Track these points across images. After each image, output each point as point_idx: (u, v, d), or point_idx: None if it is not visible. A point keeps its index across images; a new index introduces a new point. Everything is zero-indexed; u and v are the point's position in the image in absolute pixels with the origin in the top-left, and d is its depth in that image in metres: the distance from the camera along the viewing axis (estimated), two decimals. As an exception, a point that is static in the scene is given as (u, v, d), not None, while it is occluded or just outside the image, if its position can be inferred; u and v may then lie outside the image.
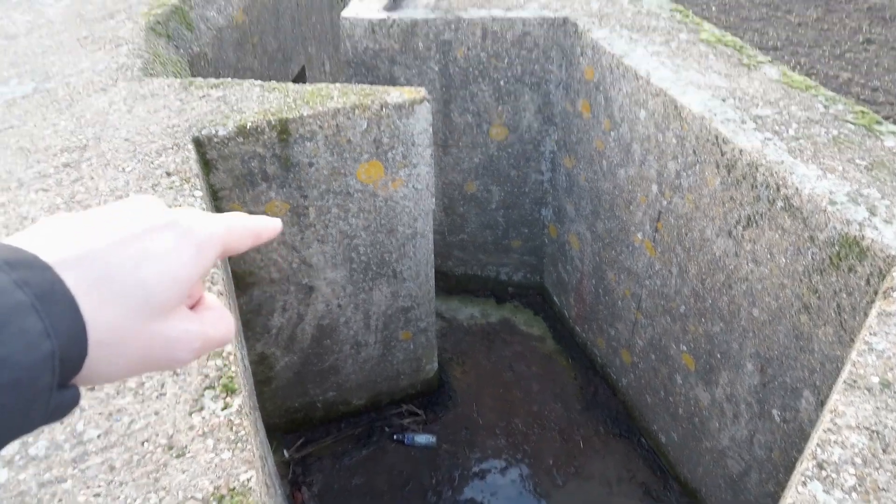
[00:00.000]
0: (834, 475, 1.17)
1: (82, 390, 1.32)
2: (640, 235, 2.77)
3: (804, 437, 2.06)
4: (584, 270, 3.32)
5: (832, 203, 1.86)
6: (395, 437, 2.96)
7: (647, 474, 2.85)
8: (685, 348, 2.59)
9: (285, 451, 2.86)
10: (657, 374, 2.82)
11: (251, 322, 2.59)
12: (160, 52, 2.78)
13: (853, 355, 1.39)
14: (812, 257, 1.91)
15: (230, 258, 2.38)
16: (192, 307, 0.43)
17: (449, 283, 3.86)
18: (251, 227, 0.45)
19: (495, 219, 3.65)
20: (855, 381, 1.33)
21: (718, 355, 2.39)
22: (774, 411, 2.14)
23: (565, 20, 3.05)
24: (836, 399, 1.30)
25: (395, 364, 3.02)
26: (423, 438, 2.94)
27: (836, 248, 1.82)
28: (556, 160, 3.39)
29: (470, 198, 3.60)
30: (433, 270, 2.85)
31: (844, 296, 1.81)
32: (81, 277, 0.36)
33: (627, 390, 3.10)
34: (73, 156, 2.04)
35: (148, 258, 0.38)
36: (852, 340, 1.81)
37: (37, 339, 0.32)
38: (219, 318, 0.43)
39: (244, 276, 2.46)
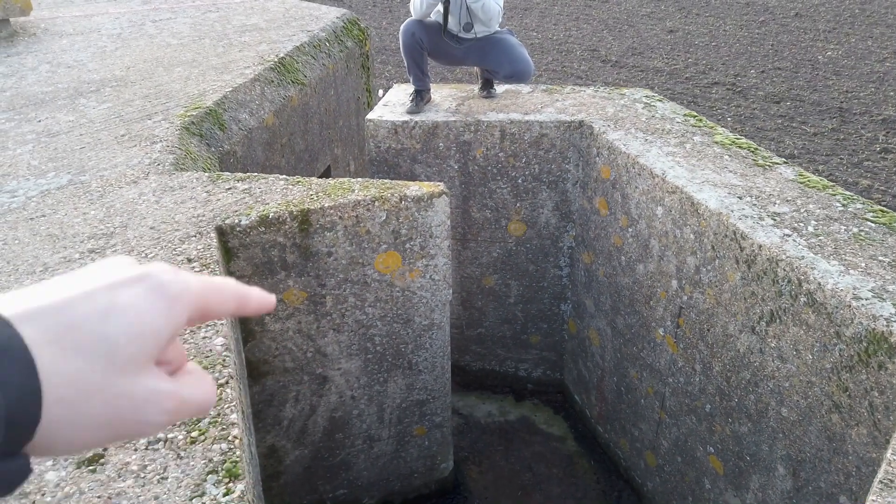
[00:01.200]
0: (876, 584, 1.07)
1: (85, 472, 1.29)
2: (661, 331, 2.72)
3: (844, 549, 1.91)
4: (604, 367, 3.25)
5: (857, 298, 1.83)
6: (406, 541, 2.81)
7: (677, 590, 2.65)
8: (712, 450, 2.47)
9: (291, 554, 2.72)
10: (684, 477, 2.68)
11: (262, 413, 2.54)
12: (192, 149, 2.92)
13: (888, 454, 1.31)
14: (839, 354, 1.85)
15: (245, 345, 2.38)
16: (171, 373, 0.40)
17: (466, 378, 3.78)
18: (235, 292, 0.42)
19: (514, 313, 3.62)
20: (891, 481, 1.25)
21: (748, 457, 2.28)
22: (810, 520, 2.01)
23: (581, 123, 3.16)
24: (872, 500, 1.22)
25: (408, 461, 2.92)
26: (436, 543, 2.79)
27: (864, 344, 1.76)
28: (575, 255, 3.40)
29: (488, 292, 3.60)
30: (449, 363, 2.81)
31: (876, 394, 1.74)
32: (41, 330, 0.34)
33: (653, 496, 2.94)
34: (100, 242, 2.10)
35: (114, 311, 0.36)
36: (887, 442, 1.71)
37: None
38: (197, 381, 0.40)
39: (258, 364, 2.45)
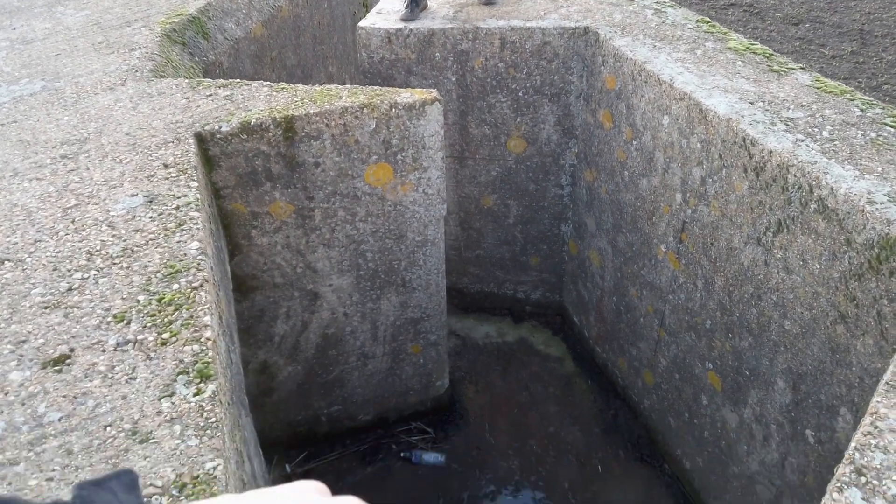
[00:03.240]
0: (875, 482, 1.02)
1: (51, 373, 1.24)
2: (663, 248, 2.63)
3: (841, 458, 1.88)
4: (604, 288, 3.18)
5: (871, 203, 1.72)
6: (402, 454, 2.82)
7: (670, 502, 2.66)
8: (711, 366, 2.42)
9: (287, 466, 2.74)
10: (681, 395, 2.65)
11: (253, 328, 2.50)
12: (173, 57, 2.77)
13: (896, 355, 1.24)
14: (849, 262, 1.76)
15: (231, 259, 2.31)
16: None
17: (464, 301, 3.74)
18: None
19: (513, 234, 3.54)
20: (899, 383, 1.18)
21: (747, 373, 2.23)
22: (808, 432, 1.96)
23: (586, 30, 2.98)
24: (877, 402, 1.15)
25: (403, 379, 2.90)
26: (431, 457, 2.79)
27: (876, 250, 1.67)
28: (577, 173, 3.28)
29: (487, 212, 3.50)
30: (444, 281, 2.74)
31: (885, 302, 1.66)
32: None
33: (650, 413, 2.92)
34: (72, 148, 1.99)
35: None
36: (894, 351, 1.64)
37: None
38: None
39: (246, 279, 2.39)
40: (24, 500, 0.30)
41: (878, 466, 1.04)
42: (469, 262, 3.67)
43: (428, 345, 2.85)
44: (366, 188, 2.40)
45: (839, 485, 1.02)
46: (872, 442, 1.08)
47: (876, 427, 1.10)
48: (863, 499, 1.00)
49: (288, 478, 2.71)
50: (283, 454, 2.80)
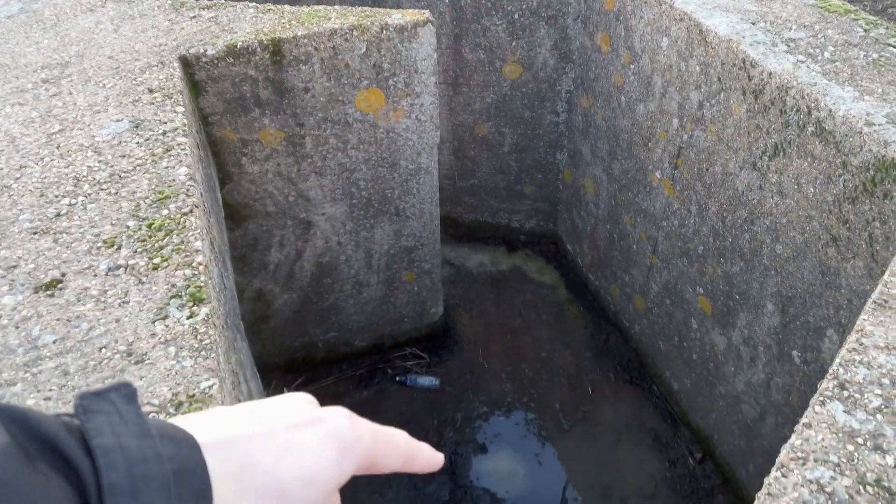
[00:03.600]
0: (857, 395, 1.04)
1: (43, 297, 1.24)
2: (658, 174, 2.61)
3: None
4: (598, 216, 3.18)
5: (869, 125, 1.70)
6: (397, 378, 2.89)
7: (658, 421, 2.75)
8: (702, 291, 2.45)
9: (285, 389, 2.80)
10: (671, 319, 2.69)
11: (247, 257, 2.50)
12: (155, -24, 2.65)
13: (886, 275, 1.25)
14: (844, 185, 1.75)
15: (223, 187, 2.29)
16: None
17: (459, 231, 3.74)
18: (403, 448, 0.42)
19: (508, 163, 3.50)
20: (886, 301, 1.19)
21: (737, 296, 2.25)
22: (795, 353, 2.01)
23: (584, -54, 2.86)
24: (863, 319, 1.16)
25: (398, 306, 2.93)
26: (426, 381, 2.86)
27: (872, 172, 1.66)
28: (573, 100, 3.22)
29: (481, 140, 3.45)
30: (438, 209, 2.73)
31: (878, 225, 1.66)
32: (224, 461, 0.34)
33: (640, 337, 2.98)
34: (54, 72, 1.93)
35: (290, 452, 0.36)
36: (883, 272, 1.66)
37: None
38: None
39: (238, 207, 2.37)
40: (33, 413, 0.30)
41: (861, 381, 1.06)
42: (463, 191, 3.65)
43: (422, 273, 2.87)
44: (357, 115, 2.35)
45: (822, 398, 1.04)
46: (857, 358, 1.10)
47: (861, 344, 1.12)
48: (844, 411, 1.03)
49: (286, 402, 2.78)
50: (282, 379, 2.87)
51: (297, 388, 2.83)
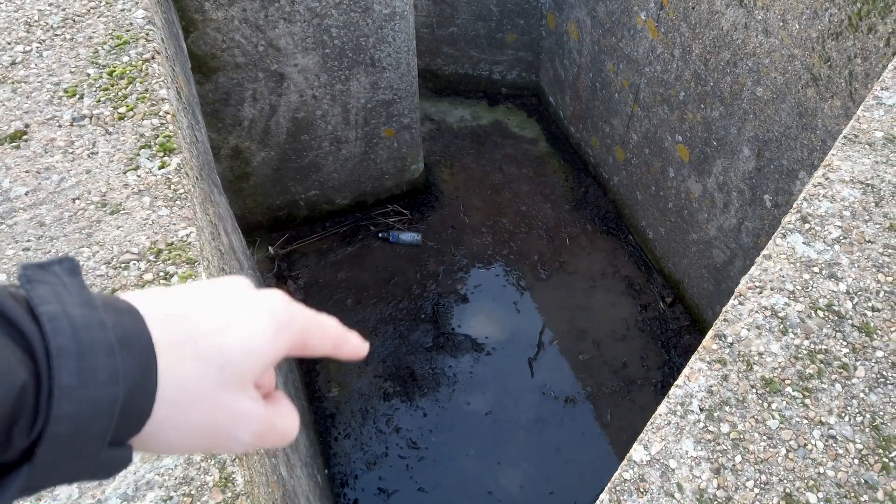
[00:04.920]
0: (818, 227, 1.08)
1: (9, 149, 1.22)
2: (643, 16, 2.51)
3: (794, 222, 1.99)
4: (581, 64, 3.09)
5: (861, -45, 1.61)
6: (380, 234, 2.93)
7: (632, 269, 2.85)
8: (681, 139, 2.45)
9: (270, 248, 2.85)
10: (650, 168, 2.71)
11: (220, 113, 2.43)
12: None
13: (858, 111, 1.25)
14: (829, 19, 1.69)
15: (187, 36, 2.17)
16: (262, 397, 0.41)
17: (438, 84, 3.63)
18: (334, 334, 0.43)
19: (488, 8, 3.33)
20: (856, 136, 1.20)
21: (715, 143, 2.26)
22: (766, 196, 2.05)
23: None
24: (832, 154, 1.18)
25: (378, 163, 2.91)
26: (408, 236, 2.91)
27: (858, 5, 1.60)
28: (556, -64, 3.01)
29: (460, -16, 3.26)
30: (415, 60, 2.63)
31: (859, 62, 1.63)
32: (167, 332, 0.35)
33: (619, 188, 3.02)
34: None
35: (232, 326, 0.38)
36: (860, 113, 1.65)
37: (106, 378, 0.31)
38: (287, 411, 0.42)
39: (206, 58, 2.27)
40: None
41: (823, 214, 1.10)
42: (442, 40, 3.50)
43: (401, 128, 2.82)
44: (324, -47, 2.19)
45: (783, 231, 1.08)
46: (821, 192, 1.13)
47: (827, 178, 1.15)
48: (804, 243, 1.07)
49: (272, 259, 2.83)
50: (266, 237, 2.90)
51: (281, 246, 2.88)
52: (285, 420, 0.42)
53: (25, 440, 0.30)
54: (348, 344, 0.45)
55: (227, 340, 0.37)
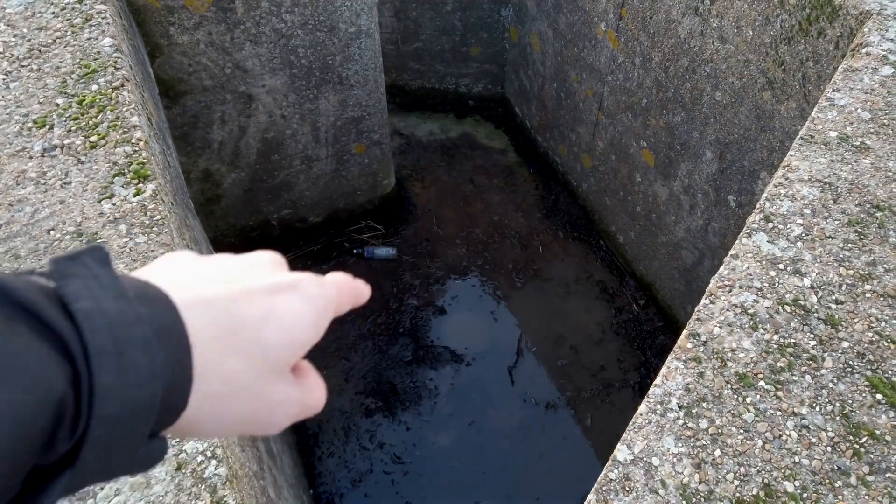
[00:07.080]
0: (781, 226, 1.13)
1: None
2: (603, 26, 2.57)
3: (758, 220, 2.05)
4: (545, 74, 3.15)
5: (807, -37, 1.69)
6: (355, 251, 2.94)
7: (605, 273, 2.90)
8: (645, 144, 2.51)
9: (243, 270, 2.83)
10: (617, 174, 2.77)
11: (189, 136, 2.43)
12: None
13: (813, 112, 1.31)
14: (781, 25, 1.77)
15: (153, 61, 2.17)
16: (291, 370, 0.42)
17: (406, 99, 3.66)
18: (353, 290, 0.44)
19: (452, 23, 3.38)
20: (812, 137, 1.26)
21: (678, 147, 2.32)
22: (730, 197, 2.11)
23: None
24: (790, 155, 1.23)
25: (350, 179, 2.92)
26: (382, 251, 2.92)
27: (807, 10, 1.67)
28: (515, -49, 3.07)
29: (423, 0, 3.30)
30: (383, 76, 2.66)
31: (811, 64, 1.70)
32: (205, 323, 0.35)
33: (587, 195, 3.07)
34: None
35: (272, 317, 0.37)
36: (815, 113, 1.72)
37: (145, 375, 0.31)
38: (315, 385, 0.42)
39: (173, 82, 2.26)
40: (7, 278, 0.31)
41: (785, 213, 1.15)
42: (408, 56, 3.54)
43: (372, 144, 2.84)
44: (288, -25, 2.21)
45: (749, 231, 1.12)
46: (782, 192, 1.18)
47: (787, 178, 1.20)
48: (768, 241, 1.11)
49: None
50: (239, 258, 2.88)
51: (256, 265, 2.86)
52: (314, 394, 0.42)
53: (68, 444, 0.30)
54: (363, 296, 0.46)
55: (268, 333, 0.37)
